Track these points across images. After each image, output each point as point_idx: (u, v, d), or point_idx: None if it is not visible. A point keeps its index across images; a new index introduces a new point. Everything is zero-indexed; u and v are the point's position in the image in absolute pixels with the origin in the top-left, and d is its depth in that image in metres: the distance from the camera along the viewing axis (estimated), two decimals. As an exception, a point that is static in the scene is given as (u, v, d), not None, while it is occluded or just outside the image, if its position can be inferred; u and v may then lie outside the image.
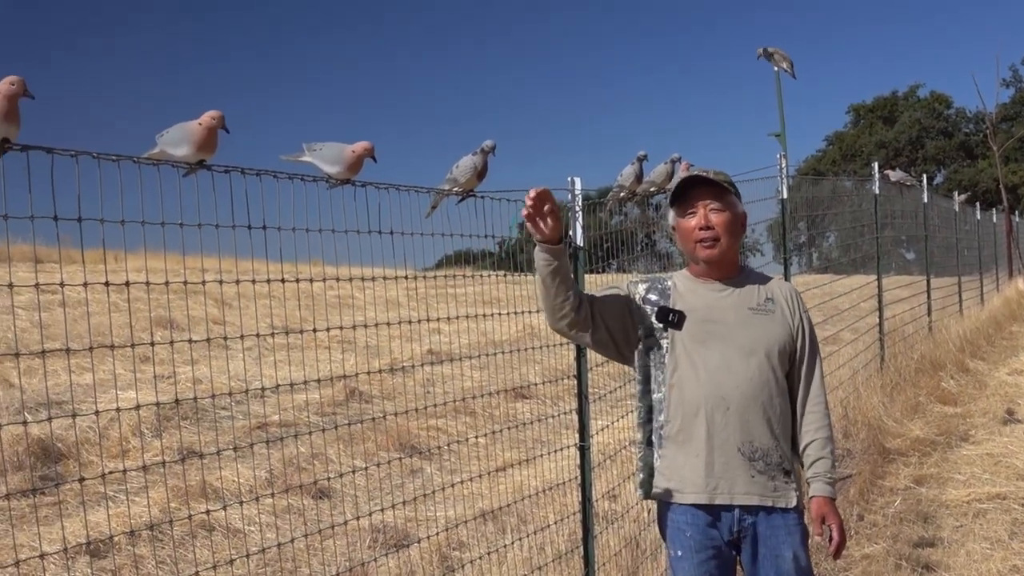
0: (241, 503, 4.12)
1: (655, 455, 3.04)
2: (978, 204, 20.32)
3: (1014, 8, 71.57)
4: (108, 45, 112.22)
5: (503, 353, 4.69)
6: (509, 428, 6.10)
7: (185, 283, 3.17)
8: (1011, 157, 47.37)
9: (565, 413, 5.00)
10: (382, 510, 4.33)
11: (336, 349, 11.40)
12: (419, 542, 5.39)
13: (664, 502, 3.04)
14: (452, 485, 4.91)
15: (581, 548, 4.39)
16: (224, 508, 4.78)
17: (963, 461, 7.39)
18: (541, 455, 5.14)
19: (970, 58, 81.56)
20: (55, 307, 12.75)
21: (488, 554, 4.59)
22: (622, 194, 5.17)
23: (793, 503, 2.95)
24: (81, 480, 3.04)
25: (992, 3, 77.00)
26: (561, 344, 4.69)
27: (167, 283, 3.02)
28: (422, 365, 8.31)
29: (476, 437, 5.59)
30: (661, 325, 2.98)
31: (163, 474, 6.59)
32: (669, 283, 3.06)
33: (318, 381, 3.80)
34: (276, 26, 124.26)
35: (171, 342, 3.12)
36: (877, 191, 10.73)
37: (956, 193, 17.31)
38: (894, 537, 5.76)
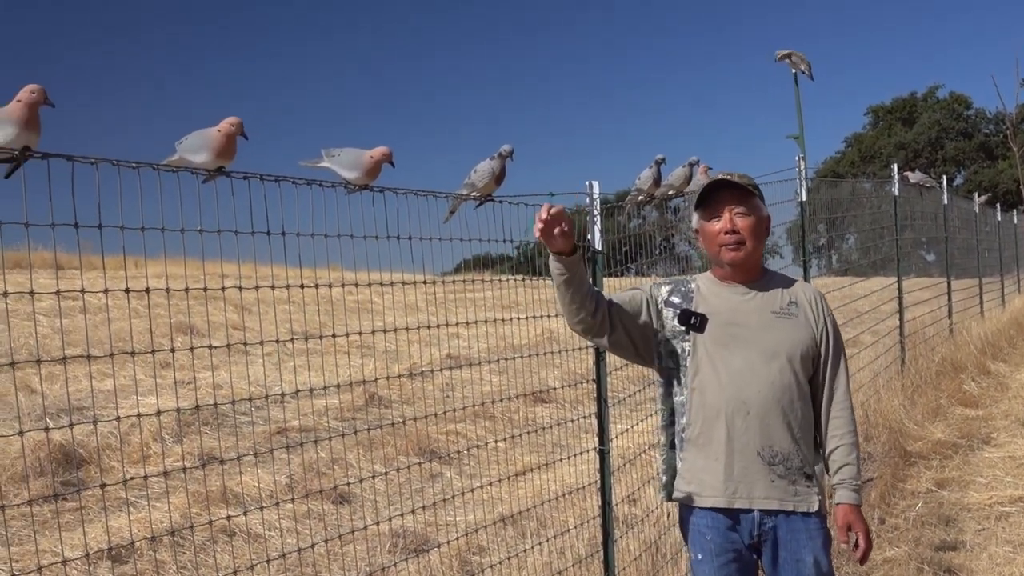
0: (261, 508, 4.15)
1: (677, 458, 3.04)
2: (998, 205, 20.19)
3: (1034, 8, 71.13)
4: (127, 48, 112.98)
5: (522, 357, 4.68)
6: (528, 432, 6.10)
7: (205, 289, 3.19)
8: (1031, 158, 47.07)
9: (584, 417, 4.99)
10: (402, 515, 4.34)
11: (355, 354, 11.44)
12: (439, 547, 5.39)
13: (685, 505, 3.04)
14: (472, 490, 4.91)
15: (601, 552, 4.38)
16: (245, 513, 4.81)
17: (985, 464, 7.34)
18: (561, 459, 5.13)
19: (990, 59, 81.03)
20: (76, 313, 12.85)
21: (508, 559, 4.59)
22: (640, 197, 5.17)
23: (815, 507, 2.93)
24: (103, 486, 3.05)
25: (1012, 3, 76.40)
26: (580, 348, 4.68)
27: (187, 289, 3.04)
28: (441, 370, 8.31)
29: (495, 441, 5.58)
30: (683, 328, 2.97)
31: (184, 479, 6.63)
32: (692, 286, 3.05)
33: (337, 386, 3.80)
34: (296, 31, 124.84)
35: (191, 348, 3.14)
36: (897, 193, 10.67)
37: (976, 194, 17.19)
38: (916, 541, 5.72)
